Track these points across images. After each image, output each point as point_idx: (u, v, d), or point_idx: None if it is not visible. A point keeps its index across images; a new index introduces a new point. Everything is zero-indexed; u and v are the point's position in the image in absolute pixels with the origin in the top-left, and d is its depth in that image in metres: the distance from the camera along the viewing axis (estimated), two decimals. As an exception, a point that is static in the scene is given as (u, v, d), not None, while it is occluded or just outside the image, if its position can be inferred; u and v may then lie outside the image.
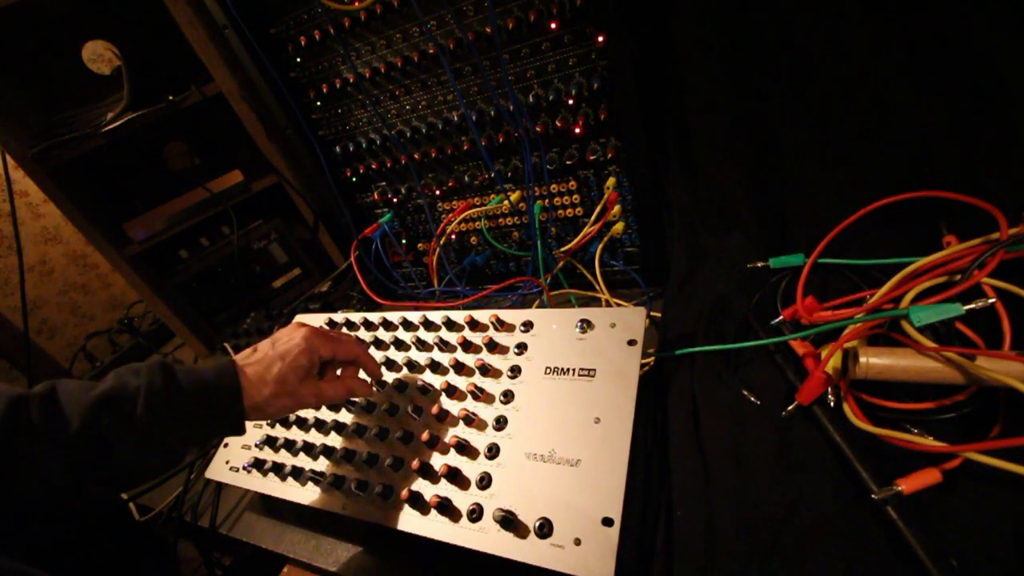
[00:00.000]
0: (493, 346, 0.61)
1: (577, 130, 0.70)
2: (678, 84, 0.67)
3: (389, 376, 0.66)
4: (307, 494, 0.61)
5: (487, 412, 0.56)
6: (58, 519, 0.49)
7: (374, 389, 0.63)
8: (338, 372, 0.61)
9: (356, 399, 0.66)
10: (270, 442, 0.68)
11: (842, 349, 0.49)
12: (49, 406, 0.45)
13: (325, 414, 0.67)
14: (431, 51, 0.73)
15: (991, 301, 0.44)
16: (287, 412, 0.55)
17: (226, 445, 0.74)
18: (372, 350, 0.71)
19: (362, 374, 0.62)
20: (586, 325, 0.57)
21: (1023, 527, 0.37)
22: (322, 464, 0.62)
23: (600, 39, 0.63)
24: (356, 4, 0.72)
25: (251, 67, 0.85)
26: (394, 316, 0.73)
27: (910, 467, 0.41)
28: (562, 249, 0.79)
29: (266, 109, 0.91)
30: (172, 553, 0.77)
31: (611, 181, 0.73)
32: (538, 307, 0.77)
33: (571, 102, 0.68)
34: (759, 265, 0.65)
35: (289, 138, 0.92)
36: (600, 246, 0.75)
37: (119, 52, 1.05)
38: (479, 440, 0.54)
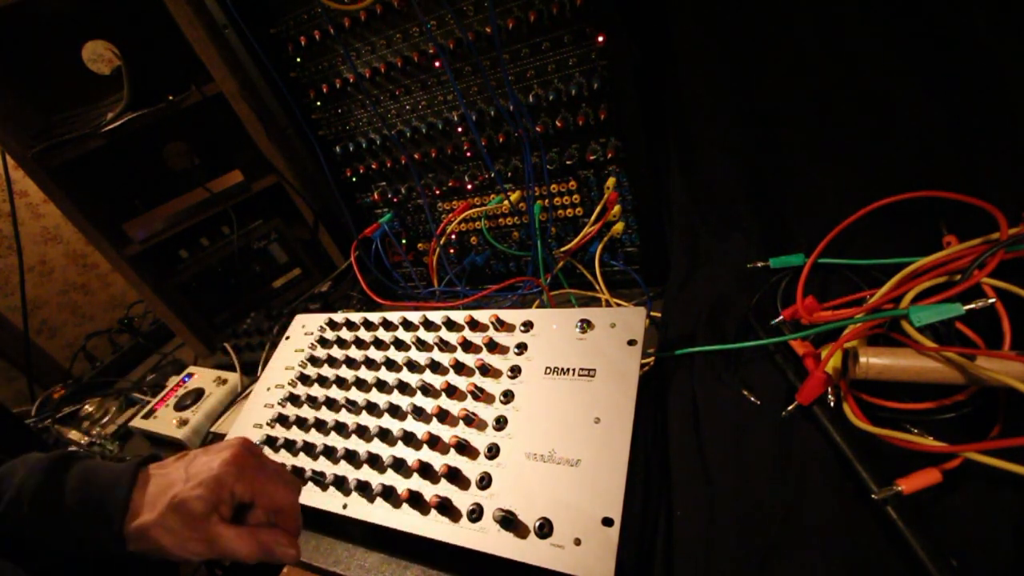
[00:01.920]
0: (493, 346, 0.61)
1: (580, 121, 0.70)
2: (678, 84, 0.67)
3: (390, 376, 0.66)
4: (307, 494, 0.61)
5: (487, 412, 0.56)
6: None
7: (296, 555, 0.46)
8: (260, 519, 0.45)
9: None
10: (270, 442, 0.68)
11: (842, 349, 0.49)
12: None
13: (326, 414, 0.67)
14: (431, 51, 0.73)
15: (991, 301, 0.44)
16: (174, 553, 0.42)
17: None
18: (372, 350, 0.71)
19: None
20: (586, 325, 0.57)
21: (1023, 527, 0.37)
22: (323, 464, 0.62)
23: (600, 39, 0.63)
24: (356, 4, 0.72)
25: (251, 67, 0.85)
26: (394, 316, 0.73)
27: (910, 467, 0.41)
28: (562, 249, 0.79)
29: (266, 109, 0.91)
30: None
31: (611, 181, 0.73)
32: (538, 307, 0.77)
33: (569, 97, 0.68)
34: (759, 265, 0.65)
35: (289, 138, 0.92)
36: (600, 246, 0.75)
37: (119, 52, 1.05)
38: (479, 440, 0.54)
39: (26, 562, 0.42)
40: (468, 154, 0.80)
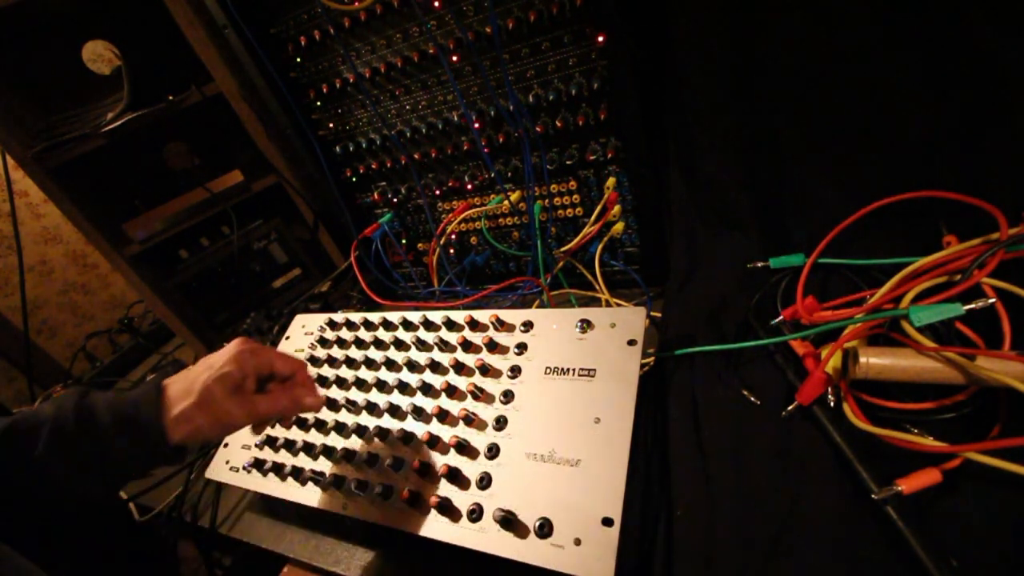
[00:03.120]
0: (493, 346, 0.61)
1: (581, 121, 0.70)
2: (678, 84, 0.67)
3: (390, 376, 0.66)
4: (307, 494, 0.61)
5: (487, 412, 0.56)
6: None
7: (322, 400, 0.57)
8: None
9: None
10: (270, 442, 0.68)
11: (842, 349, 0.49)
12: None
13: (326, 414, 0.67)
14: (431, 51, 0.73)
15: (991, 301, 0.44)
16: (216, 431, 0.49)
17: (226, 445, 0.74)
18: (372, 350, 0.71)
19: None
20: (586, 325, 0.57)
21: (1023, 527, 0.37)
22: (322, 464, 0.62)
23: (600, 39, 0.63)
24: (356, 4, 0.72)
25: (251, 67, 0.85)
26: (394, 316, 0.73)
27: (910, 467, 0.41)
28: (562, 249, 0.79)
29: (266, 109, 0.91)
30: (172, 553, 0.77)
31: (611, 181, 0.73)
32: (538, 307, 0.77)
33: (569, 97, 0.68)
34: (759, 265, 0.65)
35: (289, 138, 0.92)
36: (600, 246, 0.75)
37: (119, 52, 1.05)
38: (479, 440, 0.54)
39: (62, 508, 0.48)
40: (466, 147, 0.80)
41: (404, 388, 0.63)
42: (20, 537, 0.46)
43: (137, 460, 0.47)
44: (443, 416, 0.58)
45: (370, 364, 0.69)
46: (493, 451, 0.52)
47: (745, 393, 0.54)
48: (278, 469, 0.64)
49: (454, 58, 0.73)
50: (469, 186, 0.83)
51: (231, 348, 0.53)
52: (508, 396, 0.56)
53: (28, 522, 0.48)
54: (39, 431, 0.45)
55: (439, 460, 0.55)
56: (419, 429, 0.58)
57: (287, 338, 0.82)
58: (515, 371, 0.57)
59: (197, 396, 0.47)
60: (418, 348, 0.68)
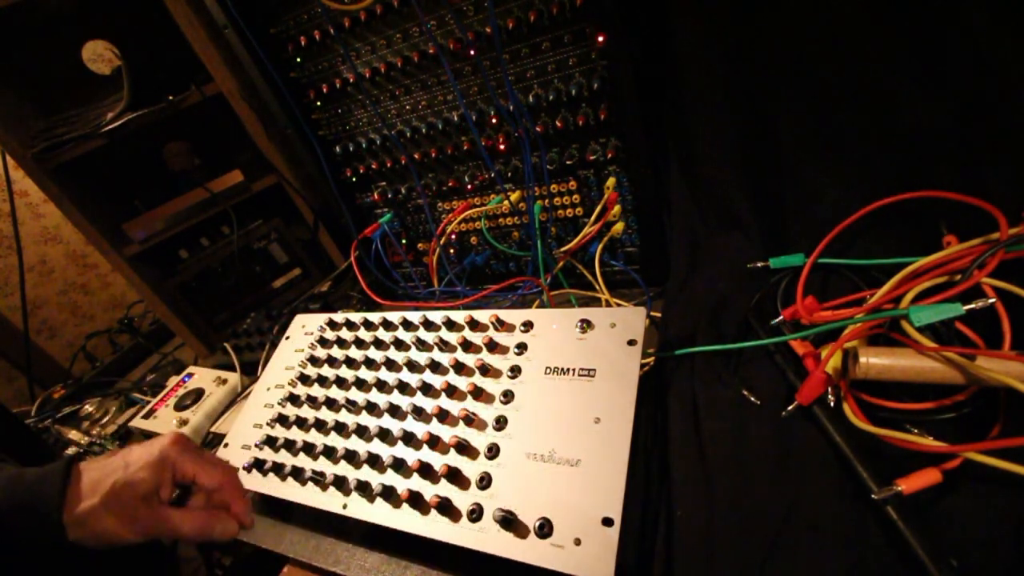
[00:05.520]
0: (493, 346, 0.61)
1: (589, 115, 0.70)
2: (678, 84, 0.67)
3: (390, 376, 0.66)
4: (307, 494, 0.61)
5: (487, 412, 0.56)
6: None
7: (242, 527, 0.50)
8: (203, 502, 0.50)
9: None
10: (270, 442, 0.68)
11: (842, 349, 0.49)
12: None
13: (325, 414, 0.67)
14: (431, 51, 0.73)
15: (991, 301, 0.44)
16: (120, 538, 0.44)
17: (226, 445, 0.74)
18: (372, 350, 0.71)
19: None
20: (586, 325, 0.57)
21: (1023, 527, 0.37)
22: (322, 464, 0.62)
23: (600, 39, 0.63)
24: (356, 4, 0.72)
25: (251, 67, 0.85)
26: (394, 316, 0.73)
27: (910, 467, 0.41)
28: (562, 249, 0.79)
29: (266, 109, 0.91)
30: (172, 553, 0.77)
31: (611, 181, 0.73)
32: (538, 307, 0.77)
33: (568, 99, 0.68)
34: (759, 265, 0.65)
35: (289, 138, 0.92)
36: (600, 246, 0.75)
37: (119, 52, 1.05)
38: (479, 440, 0.54)
39: None
40: (466, 146, 0.80)
41: (404, 388, 0.63)
42: None
43: (27, 549, 0.43)
44: (443, 416, 0.58)
45: (370, 364, 0.69)
46: (493, 451, 0.52)
47: (745, 393, 0.54)
48: (278, 469, 0.64)
49: (457, 57, 0.73)
50: (469, 186, 0.83)
51: (156, 447, 0.47)
52: (508, 396, 0.56)
53: None
54: None
55: (439, 460, 0.55)
56: (419, 429, 0.58)
57: (287, 338, 0.82)
58: (515, 371, 0.57)
59: (102, 498, 0.43)
60: (418, 348, 0.68)
